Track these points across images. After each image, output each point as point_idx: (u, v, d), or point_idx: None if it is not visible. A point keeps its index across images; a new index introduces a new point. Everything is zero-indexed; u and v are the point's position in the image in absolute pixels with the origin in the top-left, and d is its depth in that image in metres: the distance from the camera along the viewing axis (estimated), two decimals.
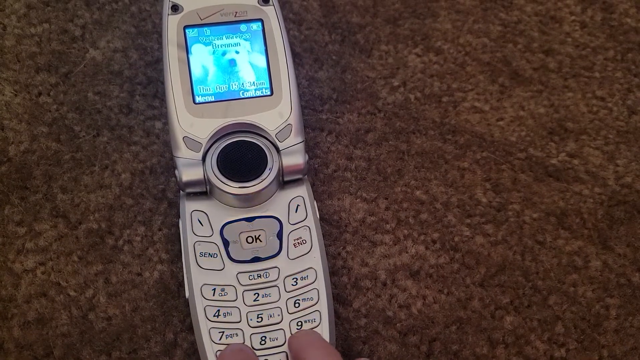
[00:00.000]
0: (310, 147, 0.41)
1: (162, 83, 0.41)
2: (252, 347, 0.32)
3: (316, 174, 0.40)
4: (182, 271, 0.34)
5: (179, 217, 0.35)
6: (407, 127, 0.42)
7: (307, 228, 0.35)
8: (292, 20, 0.46)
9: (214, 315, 0.32)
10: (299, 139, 0.36)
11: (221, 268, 0.33)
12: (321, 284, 0.33)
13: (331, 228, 0.38)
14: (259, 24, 0.37)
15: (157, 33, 0.43)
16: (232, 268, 0.33)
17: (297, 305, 0.33)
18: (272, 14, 0.37)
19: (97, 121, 0.40)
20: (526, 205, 0.40)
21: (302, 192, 0.36)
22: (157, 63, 0.42)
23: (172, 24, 0.36)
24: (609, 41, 0.48)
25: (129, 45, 0.43)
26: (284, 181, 0.36)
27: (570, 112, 0.44)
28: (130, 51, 0.43)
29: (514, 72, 0.45)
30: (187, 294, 0.33)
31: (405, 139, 0.42)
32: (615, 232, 0.39)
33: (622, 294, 0.37)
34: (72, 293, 0.35)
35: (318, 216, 0.36)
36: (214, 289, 0.33)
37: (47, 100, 0.40)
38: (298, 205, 0.35)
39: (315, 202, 0.36)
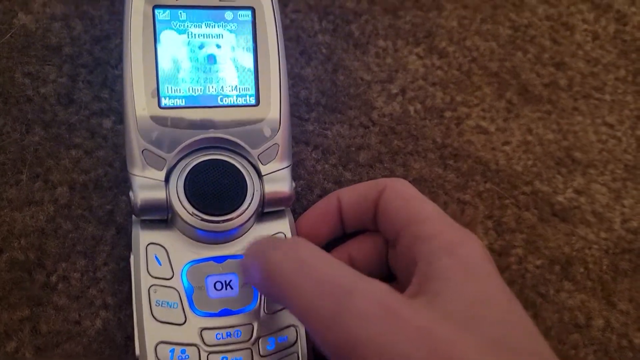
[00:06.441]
0: (292, 165, 0.34)
1: (116, 69, 0.33)
2: None
3: (298, 199, 0.34)
4: (132, 321, 0.27)
5: (130, 249, 0.28)
6: (405, 147, 0.36)
7: None
8: None
9: None
10: (286, 163, 0.30)
11: (182, 322, 0.27)
12: (303, 348, 0.28)
13: None
14: (249, 12, 0.29)
15: None
16: (196, 323, 0.27)
17: None
18: (266, 2, 0.30)
19: (27, 113, 0.32)
20: (530, 250, 0.35)
21: (283, 226, 0.30)
22: (107, 40, 0.34)
23: (137, 0, 0.28)
24: (620, 58, 0.43)
25: (71, 12, 0.34)
26: (262, 213, 0.29)
27: (579, 140, 0.39)
28: (73, 20, 0.34)
29: (523, 87, 0.40)
30: (137, 352, 0.26)
31: (402, 161, 0.36)
32: (619, 284, 0.36)
33: (623, 358, 0.34)
34: None
35: None
36: (173, 350, 0.27)
37: None
38: None
39: None
